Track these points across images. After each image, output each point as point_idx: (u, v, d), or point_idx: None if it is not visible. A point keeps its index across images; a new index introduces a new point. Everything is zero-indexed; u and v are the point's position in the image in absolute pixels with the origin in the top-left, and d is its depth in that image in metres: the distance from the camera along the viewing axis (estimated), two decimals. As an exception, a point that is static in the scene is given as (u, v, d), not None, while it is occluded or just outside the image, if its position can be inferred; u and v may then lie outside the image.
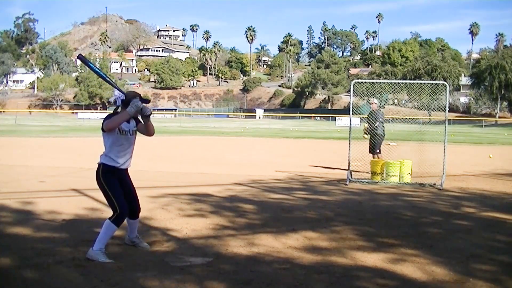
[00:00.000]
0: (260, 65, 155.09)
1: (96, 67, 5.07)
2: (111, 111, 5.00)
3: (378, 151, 12.23)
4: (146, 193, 8.33)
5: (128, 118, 4.78)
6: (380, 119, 12.16)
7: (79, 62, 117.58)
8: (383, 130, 12.30)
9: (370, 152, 12.23)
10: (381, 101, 13.81)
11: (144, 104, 4.77)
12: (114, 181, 4.88)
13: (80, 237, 5.61)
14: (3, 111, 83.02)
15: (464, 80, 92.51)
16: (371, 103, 12.20)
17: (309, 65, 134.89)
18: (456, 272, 4.60)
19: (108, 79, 5.06)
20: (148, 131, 4.97)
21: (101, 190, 4.94)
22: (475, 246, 5.57)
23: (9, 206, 7.26)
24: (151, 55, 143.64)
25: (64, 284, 4.16)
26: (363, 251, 5.28)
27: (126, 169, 5.04)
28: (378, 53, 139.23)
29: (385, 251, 5.28)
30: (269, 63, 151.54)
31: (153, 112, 4.82)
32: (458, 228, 6.54)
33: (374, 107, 12.16)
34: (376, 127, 12.03)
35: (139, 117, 4.92)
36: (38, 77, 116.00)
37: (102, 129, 4.76)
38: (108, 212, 6.98)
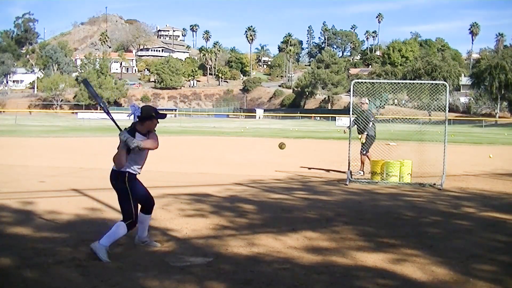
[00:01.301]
0: (260, 65, 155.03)
1: (96, 94, 5.30)
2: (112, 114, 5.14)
3: (364, 151, 11.94)
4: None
5: (125, 148, 4.81)
6: (372, 120, 11.81)
7: (80, 62, 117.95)
8: (375, 131, 11.98)
9: (360, 153, 11.98)
10: (381, 101, 13.77)
11: (126, 137, 4.77)
12: (137, 186, 5.04)
13: (80, 237, 5.61)
14: (3, 111, 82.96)
15: (464, 80, 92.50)
16: (362, 103, 11.86)
17: (309, 65, 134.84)
18: (456, 272, 4.60)
19: (106, 110, 5.16)
20: (150, 149, 5.04)
21: (122, 194, 5.00)
22: (475, 246, 5.57)
23: (9, 206, 7.26)
24: (151, 55, 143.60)
25: (64, 284, 4.16)
26: (363, 251, 5.28)
27: None
28: (378, 53, 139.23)
29: (385, 251, 5.28)
30: (269, 63, 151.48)
31: (138, 146, 4.82)
32: (458, 228, 6.54)
33: (365, 107, 11.82)
34: (369, 128, 11.69)
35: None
36: (38, 77, 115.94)
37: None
38: (108, 212, 7.00)
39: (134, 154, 4.93)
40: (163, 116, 5.09)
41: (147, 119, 4.95)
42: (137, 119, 4.92)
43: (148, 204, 5.25)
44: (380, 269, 4.70)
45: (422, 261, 4.95)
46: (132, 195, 4.99)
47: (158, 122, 5.06)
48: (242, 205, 7.80)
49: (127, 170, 4.99)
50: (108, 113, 5.13)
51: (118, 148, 4.89)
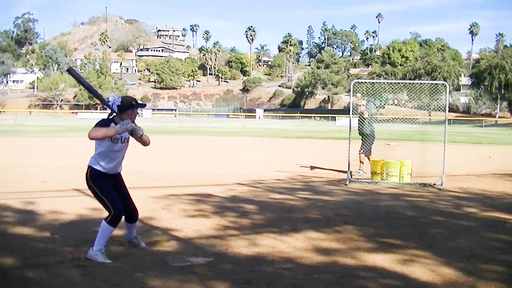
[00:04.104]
0: (260, 65, 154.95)
1: (86, 81, 5.08)
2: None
3: (362, 151, 12.08)
4: (147, 194, 8.33)
5: (113, 135, 4.68)
6: (368, 120, 11.97)
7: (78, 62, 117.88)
8: (372, 131, 12.11)
9: (364, 154, 12.12)
10: (381, 101, 13.79)
11: (134, 125, 4.65)
12: (104, 182, 4.84)
13: (81, 237, 5.61)
14: (3, 111, 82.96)
15: (464, 80, 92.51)
16: (358, 105, 12.12)
17: (309, 65, 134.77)
18: (457, 272, 4.61)
19: (96, 93, 4.99)
20: (143, 144, 4.94)
21: (92, 193, 4.93)
22: (476, 246, 5.57)
23: (10, 206, 7.26)
24: (151, 55, 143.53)
25: (64, 284, 4.16)
26: (364, 251, 5.29)
27: (119, 173, 5.04)
28: (378, 53, 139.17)
29: (386, 251, 5.28)
30: (269, 63, 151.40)
31: (144, 133, 4.75)
32: (459, 228, 6.54)
33: (362, 108, 12.03)
34: (366, 126, 11.90)
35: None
36: (38, 77, 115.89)
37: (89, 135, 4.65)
38: (109, 212, 6.99)
39: (112, 145, 4.74)
40: (143, 105, 4.99)
41: (128, 108, 4.75)
42: (117, 109, 4.71)
43: (127, 213, 5.17)
44: (381, 269, 4.70)
45: (423, 261, 4.95)
46: (100, 191, 4.88)
47: (138, 113, 4.93)
48: (244, 205, 7.80)
49: (90, 164, 4.90)
50: (98, 95, 4.92)
51: (98, 126, 4.65)
